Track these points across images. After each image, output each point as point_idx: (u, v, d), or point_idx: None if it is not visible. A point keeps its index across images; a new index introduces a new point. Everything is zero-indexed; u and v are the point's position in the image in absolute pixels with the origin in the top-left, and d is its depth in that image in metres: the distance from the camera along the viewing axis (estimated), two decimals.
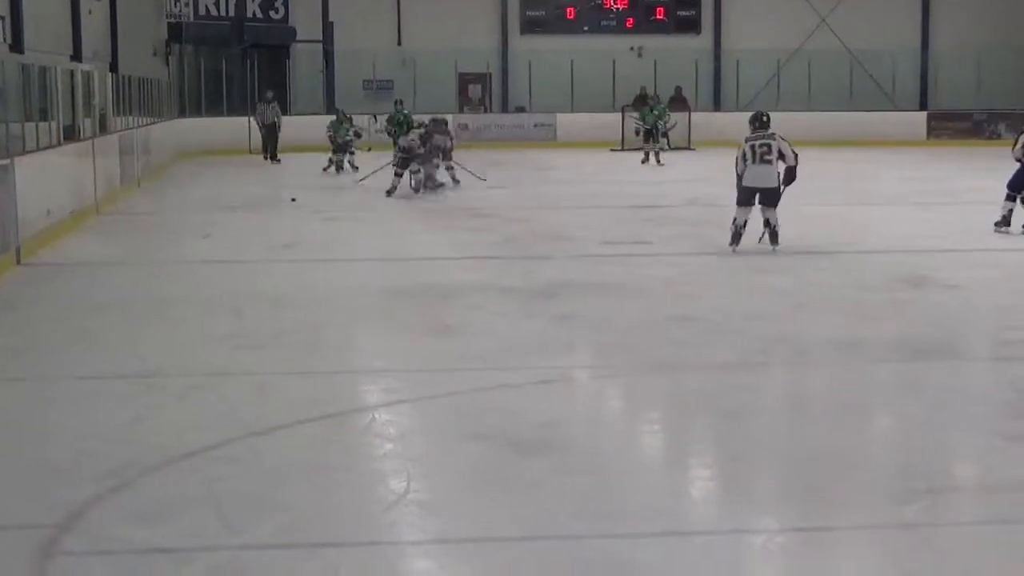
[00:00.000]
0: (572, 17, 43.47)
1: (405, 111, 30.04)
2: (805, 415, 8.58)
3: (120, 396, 8.87)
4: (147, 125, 28.76)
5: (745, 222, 15.21)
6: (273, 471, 7.12)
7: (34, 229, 15.50)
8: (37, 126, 17.93)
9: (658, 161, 31.24)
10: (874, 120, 39.25)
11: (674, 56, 41.48)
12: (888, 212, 20.33)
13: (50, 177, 17.08)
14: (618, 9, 43.59)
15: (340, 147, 29.12)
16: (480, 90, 43.03)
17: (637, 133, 33.34)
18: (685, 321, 11.40)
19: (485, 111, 42.00)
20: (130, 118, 26.92)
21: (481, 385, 9.05)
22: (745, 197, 15.22)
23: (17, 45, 26.41)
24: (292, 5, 41.88)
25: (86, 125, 21.72)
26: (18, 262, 14.42)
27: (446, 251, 16.23)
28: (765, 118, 15.58)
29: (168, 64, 39.73)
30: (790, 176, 15.43)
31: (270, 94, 33.77)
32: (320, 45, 41.10)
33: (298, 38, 41.65)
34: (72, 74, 21.56)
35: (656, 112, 32.80)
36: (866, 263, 14.88)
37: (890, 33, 42.68)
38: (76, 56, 30.78)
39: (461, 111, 40.97)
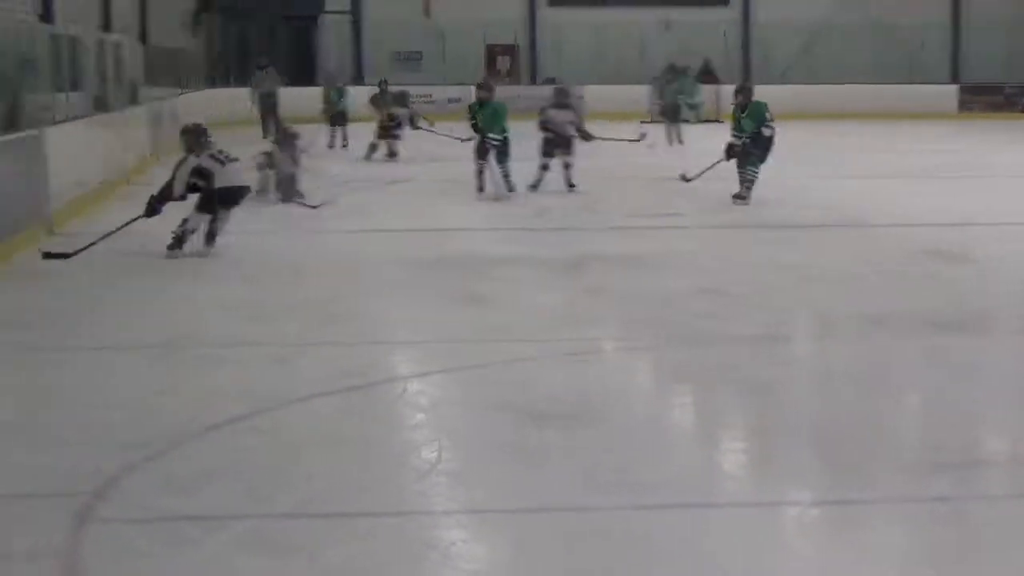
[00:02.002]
0: None
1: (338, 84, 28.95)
2: (832, 388, 8.58)
3: (144, 366, 8.94)
4: (177, 96, 28.79)
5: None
6: (304, 441, 7.16)
7: (64, 200, 15.58)
8: (67, 96, 17.99)
9: (679, 140, 28.57)
10: (904, 93, 39.03)
11: (702, 29, 41.35)
12: (917, 185, 20.28)
13: (80, 147, 17.14)
14: None
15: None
16: (508, 62, 42.96)
17: (662, 113, 31.10)
18: (712, 294, 11.40)
19: (513, 83, 41.92)
20: (159, 89, 26.97)
21: (511, 357, 9.08)
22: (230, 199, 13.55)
23: (47, 15, 26.46)
24: None
25: (116, 96, 21.76)
26: (50, 232, 14.50)
27: (475, 222, 16.25)
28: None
29: (197, 35, 39.77)
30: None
31: (264, 60, 32.28)
32: (349, 16, 41.09)
33: (327, 8, 41.62)
34: (102, 44, 21.60)
35: (674, 88, 31.06)
36: (894, 237, 14.83)
37: (921, 6, 42.42)
38: (106, 26, 30.81)
39: None
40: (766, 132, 17.24)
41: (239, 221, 15.15)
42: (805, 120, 35.21)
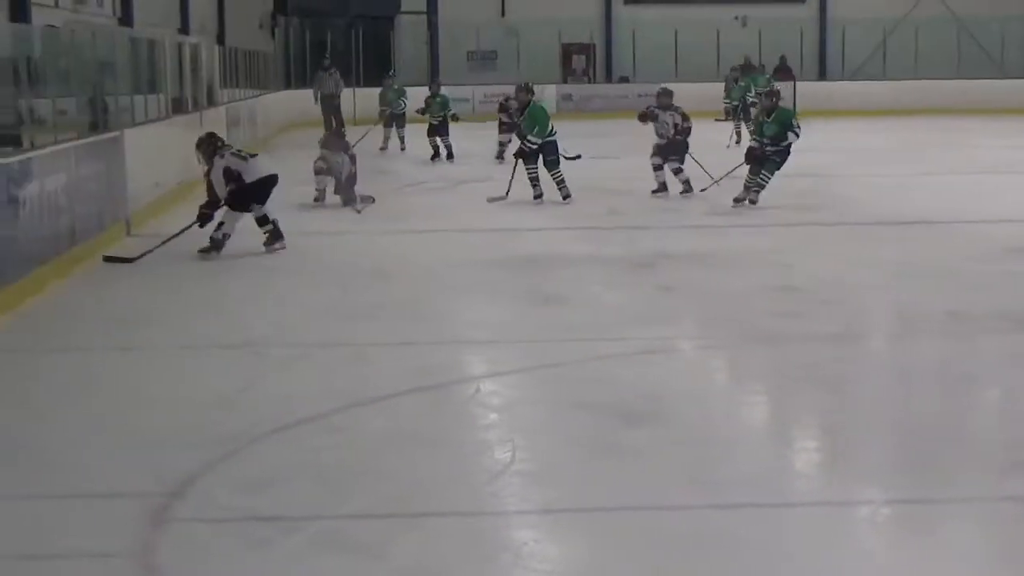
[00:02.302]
0: None
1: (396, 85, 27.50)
2: (910, 386, 8.53)
3: (226, 366, 8.99)
4: (254, 97, 28.97)
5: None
6: (377, 441, 7.19)
7: (143, 201, 15.73)
8: (146, 98, 18.14)
9: (738, 140, 26.87)
10: (982, 88, 38.69)
11: (779, 25, 41.19)
12: (996, 181, 20.10)
13: (158, 149, 17.27)
14: None
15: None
16: (584, 60, 42.97)
17: (728, 115, 30.19)
18: (788, 291, 11.36)
19: (589, 81, 41.94)
20: (237, 90, 27.16)
21: (585, 356, 9.07)
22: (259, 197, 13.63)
23: (126, 18, 26.75)
24: None
25: (194, 97, 21.94)
26: (128, 233, 14.63)
27: (548, 222, 16.20)
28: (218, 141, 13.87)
29: (274, 36, 40.04)
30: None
31: (327, 61, 31.39)
32: (424, 16, 41.23)
33: (402, 9, 41.82)
34: (180, 47, 21.77)
35: (743, 84, 28.90)
36: (972, 232, 14.69)
37: (999, 0, 42.09)
38: (184, 29, 31.11)
39: (565, 82, 40.94)
40: (790, 138, 16.83)
41: (315, 223, 15.28)
42: (882, 116, 35.04)
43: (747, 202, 16.92)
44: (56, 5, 22.71)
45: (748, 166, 17.08)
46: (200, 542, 5.74)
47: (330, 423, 7.49)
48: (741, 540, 5.66)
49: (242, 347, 9.48)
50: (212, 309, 11.05)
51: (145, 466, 6.65)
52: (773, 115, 17.02)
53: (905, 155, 25.57)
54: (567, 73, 42.31)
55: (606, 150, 23.69)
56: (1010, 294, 11.18)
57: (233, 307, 11.14)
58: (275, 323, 10.33)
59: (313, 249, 14.07)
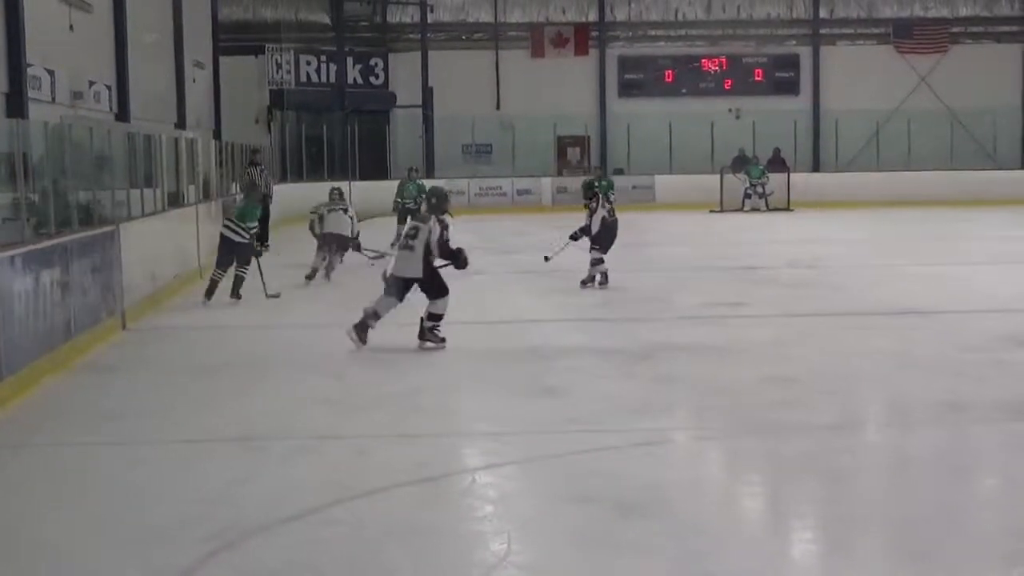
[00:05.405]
0: (670, 80, 43.59)
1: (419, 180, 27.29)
2: (909, 477, 8.50)
3: (223, 459, 8.95)
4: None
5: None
6: (374, 534, 7.15)
7: (139, 294, 15.72)
8: (142, 192, 18.18)
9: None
10: (975, 179, 38.88)
11: (772, 117, 41.42)
12: (991, 272, 20.12)
13: (155, 242, 17.31)
14: (716, 71, 43.66)
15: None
16: (579, 153, 43.17)
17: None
18: (786, 382, 11.34)
19: (584, 174, 42.07)
20: (233, 184, 27.21)
21: (582, 447, 9.04)
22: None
23: (123, 114, 26.89)
24: (392, 71, 42.36)
25: (190, 191, 22.01)
26: (124, 327, 14.62)
27: (544, 314, 16.23)
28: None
29: (270, 130, 40.21)
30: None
31: (256, 156, 28.46)
32: (420, 110, 41.46)
33: (398, 103, 42.05)
34: (176, 141, 21.87)
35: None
36: (969, 323, 14.72)
37: (991, 91, 42.40)
38: (180, 124, 31.27)
39: (560, 174, 41.09)
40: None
41: (311, 314, 15.26)
42: (875, 207, 35.14)
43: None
44: (53, 101, 22.83)
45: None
46: None
47: (328, 516, 7.45)
48: None
49: (239, 441, 9.45)
50: (207, 403, 11.01)
51: (140, 561, 6.62)
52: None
53: (899, 246, 25.63)
54: (562, 165, 42.48)
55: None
56: (1004, 383, 11.17)
57: (229, 400, 11.10)
58: (272, 416, 10.30)
59: (312, 340, 14.07)
